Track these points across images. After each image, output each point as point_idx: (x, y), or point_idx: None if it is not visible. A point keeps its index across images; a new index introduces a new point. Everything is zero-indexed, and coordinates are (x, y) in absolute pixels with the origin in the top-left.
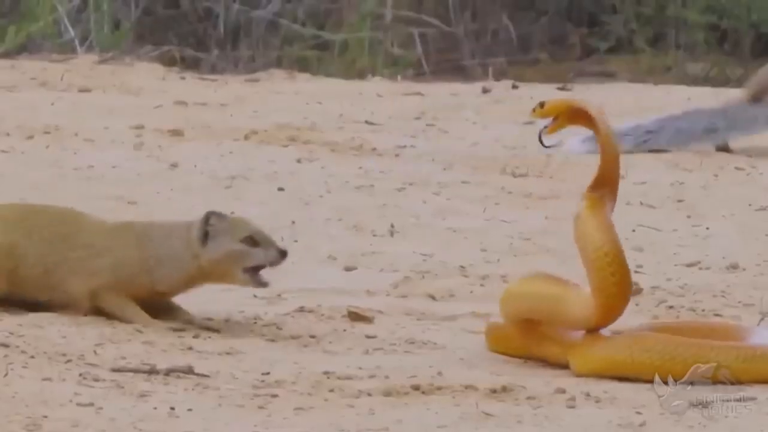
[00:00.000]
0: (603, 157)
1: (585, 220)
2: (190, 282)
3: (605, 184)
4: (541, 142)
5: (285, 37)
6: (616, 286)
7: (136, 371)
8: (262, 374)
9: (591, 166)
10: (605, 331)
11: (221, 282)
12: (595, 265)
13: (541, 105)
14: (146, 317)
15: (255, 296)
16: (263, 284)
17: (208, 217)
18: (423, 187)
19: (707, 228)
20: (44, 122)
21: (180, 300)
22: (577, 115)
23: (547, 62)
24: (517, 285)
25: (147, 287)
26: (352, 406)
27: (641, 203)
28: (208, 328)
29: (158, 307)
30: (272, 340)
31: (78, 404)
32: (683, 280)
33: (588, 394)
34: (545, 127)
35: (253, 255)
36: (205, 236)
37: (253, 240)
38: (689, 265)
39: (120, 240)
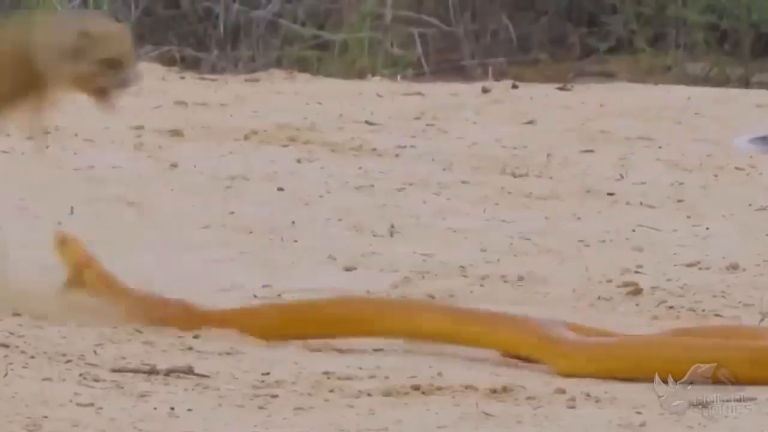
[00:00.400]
0: None
1: None
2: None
3: None
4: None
5: (285, 37)
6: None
7: (136, 371)
8: (262, 374)
9: (591, 166)
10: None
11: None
12: None
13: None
14: None
15: (255, 296)
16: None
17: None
18: (423, 187)
19: (707, 228)
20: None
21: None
22: None
23: (547, 62)
24: None
25: None
26: (352, 406)
27: (641, 203)
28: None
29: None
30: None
31: (78, 404)
32: (683, 280)
33: (588, 395)
34: None
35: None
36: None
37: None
38: (689, 265)
39: None
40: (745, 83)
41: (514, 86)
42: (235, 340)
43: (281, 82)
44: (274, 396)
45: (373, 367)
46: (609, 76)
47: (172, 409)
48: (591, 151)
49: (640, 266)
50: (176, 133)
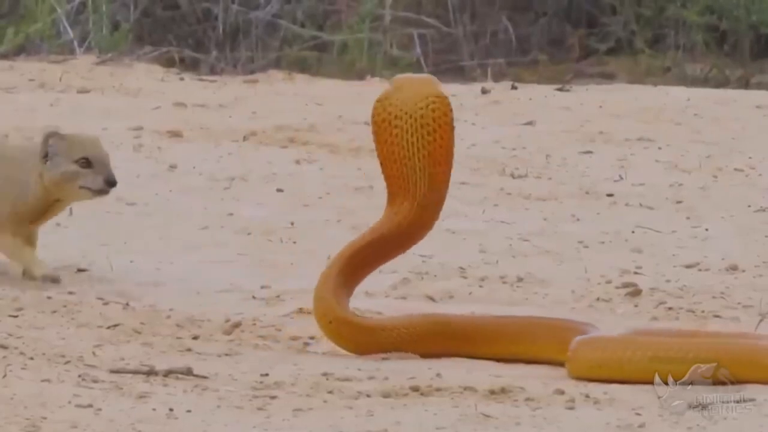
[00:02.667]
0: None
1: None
2: (43, 204)
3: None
4: None
5: (284, 38)
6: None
7: (135, 372)
8: (261, 376)
9: (590, 167)
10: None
11: (70, 199)
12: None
13: None
14: (30, 262)
15: (254, 297)
16: (101, 192)
17: (48, 137)
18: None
19: (706, 229)
20: (43, 123)
21: (178, 298)
22: None
23: (546, 63)
24: None
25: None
26: (350, 407)
27: (640, 204)
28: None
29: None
30: (271, 342)
31: (77, 405)
32: (682, 281)
33: (587, 396)
34: None
35: (84, 176)
36: (45, 156)
37: (87, 161)
38: (688, 267)
39: None
40: (745, 84)
41: (514, 87)
42: (233, 341)
43: (280, 83)
44: (273, 397)
45: (372, 368)
46: (608, 77)
47: (171, 410)
48: (590, 152)
49: (639, 267)
50: (175, 134)
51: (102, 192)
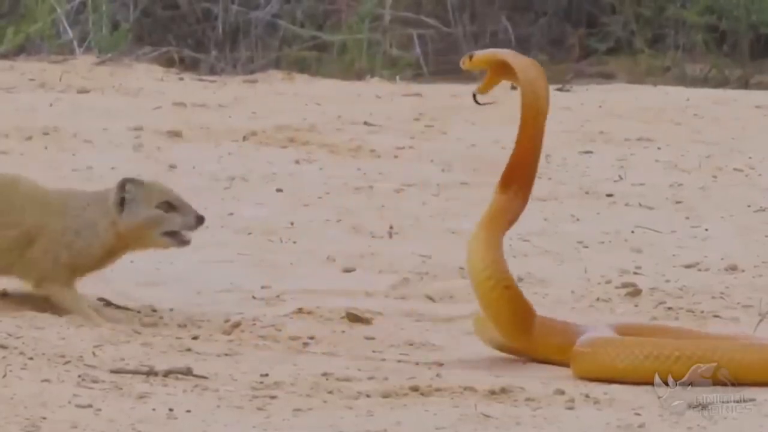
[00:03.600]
0: (522, 123)
1: (473, 239)
2: (109, 253)
3: (518, 175)
4: (476, 100)
5: (284, 38)
6: (505, 309)
7: (134, 373)
8: (261, 376)
9: (590, 167)
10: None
11: (141, 247)
12: (480, 290)
13: (470, 57)
14: (90, 311)
15: (254, 297)
16: (185, 242)
17: (124, 183)
18: (422, 188)
19: (706, 229)
20: (43, 123)
21: (178, 298)
22: (506, 69)
23: (546, 63)
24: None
25: (70, 263)
26: (350, 407)
27: (640, 204)
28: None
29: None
30: (271, 342)
31: (77, 406)
32: (682, 281)
33: (587, 396)
34: (477, 87)
35: (170, 220)
36: (122, 203)
37: (170, 205)
38: (688, 267)
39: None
40: (744, 84)
41: (513, 87)
42: (233, 341)
43: (280, 83)
44: (273, 397)
45: (371, 368)
46: (608, 77)
47: (171, 410)
48: (590, 152)
49: (639, 267)
50: (175, 134)
51: (192, 228)
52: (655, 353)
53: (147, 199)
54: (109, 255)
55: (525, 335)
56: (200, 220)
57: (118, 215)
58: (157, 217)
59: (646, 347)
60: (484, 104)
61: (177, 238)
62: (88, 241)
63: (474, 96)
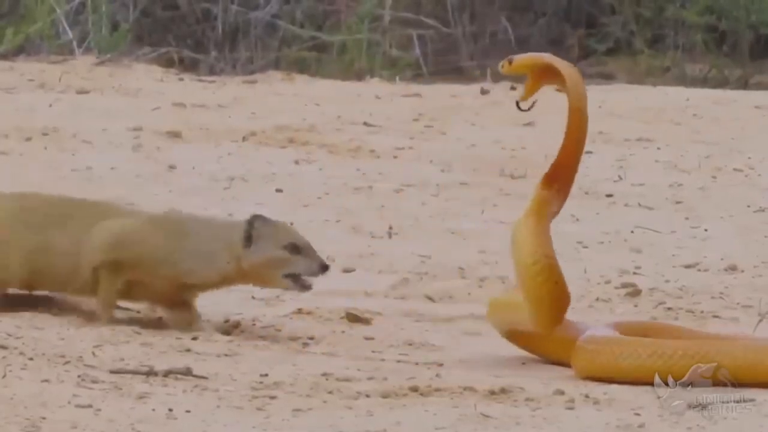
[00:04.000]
0: (569, 125)
1: (521, 226)
2: (225, 281)
3: (561, 174)
4: (519, 107)
5: (283, 39)
6: (548, 298)
7: (134, 373)
8: (261, 376)
9: (589, 168)
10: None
11: (260, 285)
12: (526, 277)
13: (510, 61)
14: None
15: (253, 297)
16: (306, 287)
17: (254, 220)
18: (421, 188)
19: (705, 229)
20: (42, 124)
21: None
22: (547, 73)
23: None
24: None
25: (170, 278)
26: (350, 407)
27: (639, 204)
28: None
29: (178, 301)
30: (271, 342)
31: (76, 406)
32: (681, 281)
33: (587, 396)
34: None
35: (294, 263)
36: (249, 239)
37: (296, 247)
38: (688, 267)
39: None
40: (744, 84)
41: (513, 88)
42: (233, 341)
43: (279, 83)
44: (273, 397)
45: (371, 368)
46: (608, 77)
47: (171, 410)
48: (590, 152)
49: (639, 267)
50: (175, 134)
51: (315, 275)
52: (659, 352)
53: (275, 238)
54: (224, 282)
55: (556, 325)
56: (324, 268)
57: (244, 250)
58: (281, 257)
59: (650, 346)
60: (527, 110)
61: (299, 282)
62: (205, 266)
63: (517, 104)
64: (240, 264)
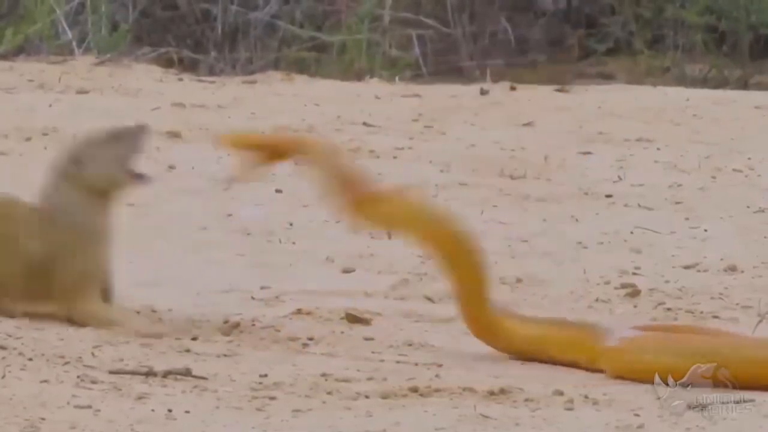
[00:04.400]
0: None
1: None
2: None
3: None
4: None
5: (283, 39)
6: None
7: (133, 373)
8: (260, 376)
9: (589, 168)
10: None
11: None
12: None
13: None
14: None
15: (253, 298)
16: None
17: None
18: (421, 188)
19: (705, 230)
20: (42, 124)
21: (178, 299)
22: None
23: (546, 64)
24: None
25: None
26: (349, 408)
27: (639, 205)
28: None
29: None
30: (270, 342)
31: (76, 406)
32: (681, 282)
33: (586, 397)
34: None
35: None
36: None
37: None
38: (687, 267)
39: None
40: (744, 85)
41: (513, 88)
42: (232, 342)
43: (279, 83)
44: (272, 398)
45: (371, 369)
46: (607, 77)
47: (170, 411)
48: (589, 152)
49: (638, 268)
50: (174, 134)
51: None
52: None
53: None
54: None
55: None
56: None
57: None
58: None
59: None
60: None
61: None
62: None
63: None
64: (84, 182)
